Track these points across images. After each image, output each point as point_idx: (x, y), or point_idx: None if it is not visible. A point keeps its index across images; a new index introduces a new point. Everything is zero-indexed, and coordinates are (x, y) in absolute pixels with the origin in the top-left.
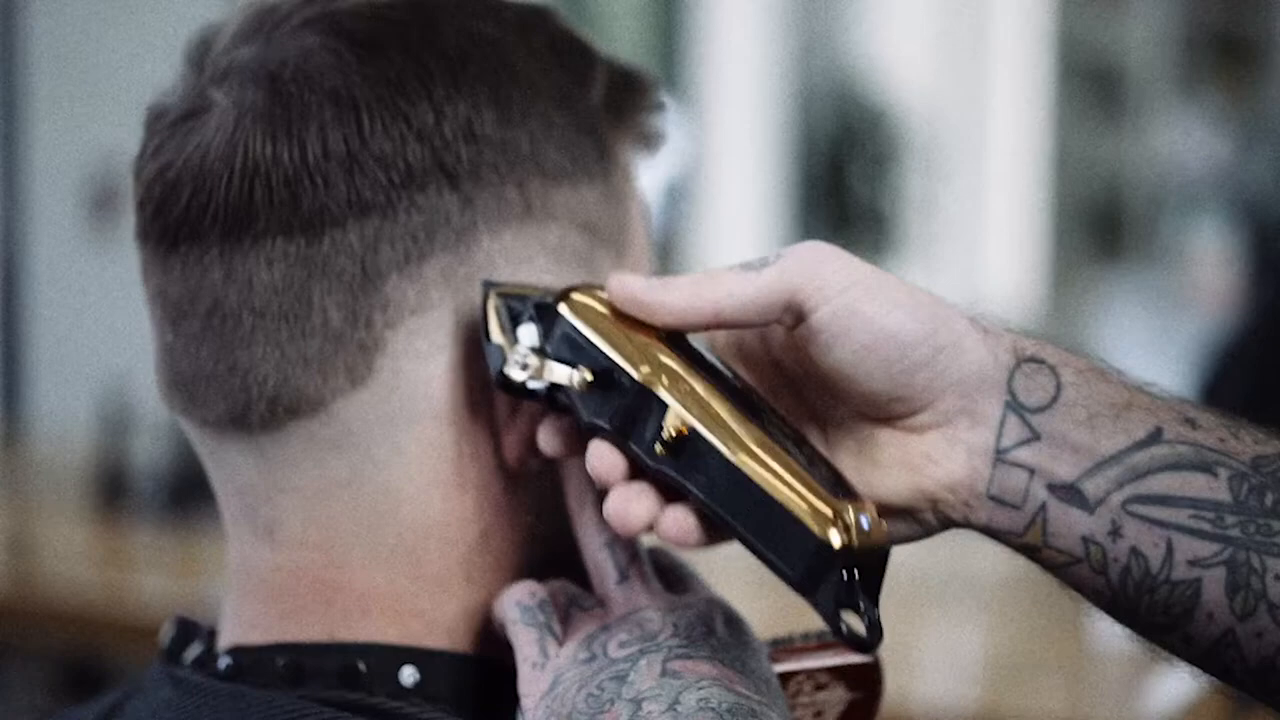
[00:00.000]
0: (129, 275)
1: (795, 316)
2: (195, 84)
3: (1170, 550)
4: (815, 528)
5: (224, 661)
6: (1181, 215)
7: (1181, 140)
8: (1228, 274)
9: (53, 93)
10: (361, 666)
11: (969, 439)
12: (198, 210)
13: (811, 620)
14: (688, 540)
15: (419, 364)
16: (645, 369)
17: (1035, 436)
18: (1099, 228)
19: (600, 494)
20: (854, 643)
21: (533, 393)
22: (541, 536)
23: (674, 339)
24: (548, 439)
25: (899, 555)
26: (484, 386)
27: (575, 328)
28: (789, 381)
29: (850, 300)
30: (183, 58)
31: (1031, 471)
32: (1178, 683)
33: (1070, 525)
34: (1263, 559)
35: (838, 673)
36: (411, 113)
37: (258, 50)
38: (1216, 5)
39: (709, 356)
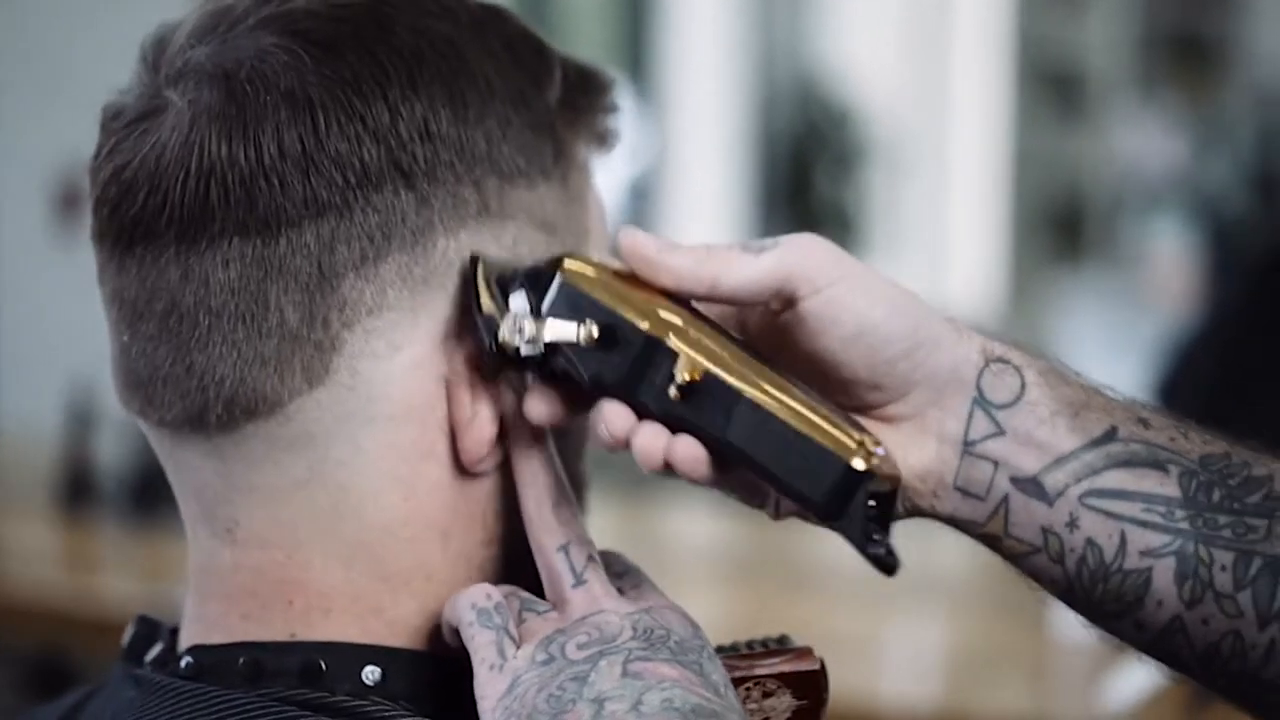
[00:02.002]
0: (94, 276)
1: (784, 302)
2: (151, 84)
3: (1123, 541)
4: (840, 453)
5: (185, 661)
6: (1140, 215)
7: (1140, 141)
8: (1186, 273)
9: (16, 93)
10: (323, 665)
11: (939, 430)
12: (154, 211)
13: (763, 629)
14: (697, 471)
15: (376, 364)
16: (650, 322)
17: (1000, 431)
18: (1059, 227)
19: (556, 495)
20: (880, 565)
21: (526, 359)
22: (499, 538)
23: (673, 297)
24: (540, 406)
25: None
26: (441, 386)
27: (577, 287)
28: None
29: (840, 292)
30: (138, 57)
31: (996, 464)
32: (1136, 677)
33: (1031, 516)
34: (1210, 550)
35: (785, 679)
36: (367, 113)
37: (213, 50)
38: (1174, 7)
39: (707, 314)
